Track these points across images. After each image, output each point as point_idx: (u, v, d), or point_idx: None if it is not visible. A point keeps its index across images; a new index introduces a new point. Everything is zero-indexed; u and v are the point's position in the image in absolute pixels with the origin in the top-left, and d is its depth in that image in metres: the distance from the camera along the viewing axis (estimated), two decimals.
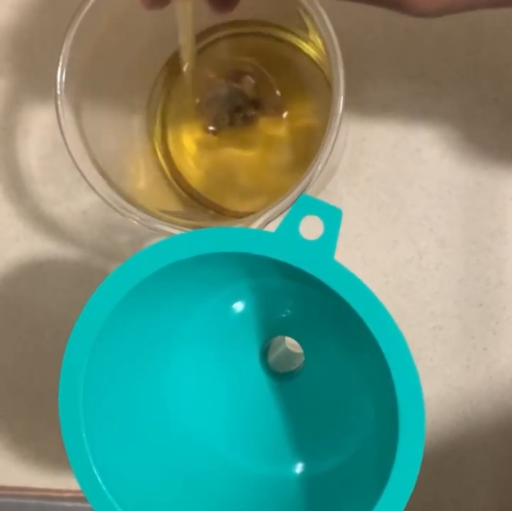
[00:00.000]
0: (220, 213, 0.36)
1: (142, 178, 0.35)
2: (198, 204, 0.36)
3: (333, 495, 0.27)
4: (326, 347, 0.30)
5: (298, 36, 0.34)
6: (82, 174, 0.29)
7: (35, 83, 0.39)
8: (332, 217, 0.23)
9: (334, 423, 0.29)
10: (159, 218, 0.28)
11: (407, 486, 0.22)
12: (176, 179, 0.37)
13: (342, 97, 0.26)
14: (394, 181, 0.37)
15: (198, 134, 0.37)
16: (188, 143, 0.37)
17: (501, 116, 0.36)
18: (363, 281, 0.23)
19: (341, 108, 0.26)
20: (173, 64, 0.36)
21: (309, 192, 0.33)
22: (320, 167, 0.26)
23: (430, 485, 0.37)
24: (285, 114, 0.36)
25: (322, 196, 0.37)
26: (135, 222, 0.29)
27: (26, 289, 0.40)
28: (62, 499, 0.42)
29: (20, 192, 0.40)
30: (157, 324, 0.28)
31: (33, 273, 0.40)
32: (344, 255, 0.37)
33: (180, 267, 0.23)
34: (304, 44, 0.34)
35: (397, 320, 0.37)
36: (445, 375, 0.37)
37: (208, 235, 0.23)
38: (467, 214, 0.36)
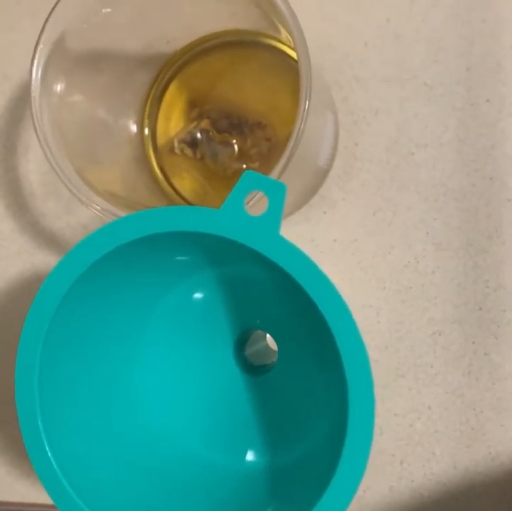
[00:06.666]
0: None
1: (129, 180, 0.36)
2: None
3: (287, 487, 0.26)
4: (297, 348, 0.30)
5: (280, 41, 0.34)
6: (58, 175, 0.30)
7: None
8: (276, 192, 0.22)
9: (295, 421, 0.29)
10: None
11: (347, 494, 0.22)
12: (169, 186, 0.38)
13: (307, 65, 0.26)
14: (389, 185, 0.37)
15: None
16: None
17: (493, 116, 0.35)
18: (310, 256, 0.22)
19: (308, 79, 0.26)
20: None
21: (297, 196, 0.33)
22: (288, 153, 0.26)
23: (437, 495, 0.36)
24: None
25: (315, 202, 0.37)
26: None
27: (29, 304, 0.41)
28: None
29: (22, 208, 0.41)
30: (122, 316, 0.28)
31: (35, 287, 0.41)
32: (341, 261, 0.37)
33: (132, 251, 0.23)
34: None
35: (396, 327, 0.37)
36: (447, 383, 0.36)
37: (151, 216, 0.23)
38: (463, 216, 0.36)
